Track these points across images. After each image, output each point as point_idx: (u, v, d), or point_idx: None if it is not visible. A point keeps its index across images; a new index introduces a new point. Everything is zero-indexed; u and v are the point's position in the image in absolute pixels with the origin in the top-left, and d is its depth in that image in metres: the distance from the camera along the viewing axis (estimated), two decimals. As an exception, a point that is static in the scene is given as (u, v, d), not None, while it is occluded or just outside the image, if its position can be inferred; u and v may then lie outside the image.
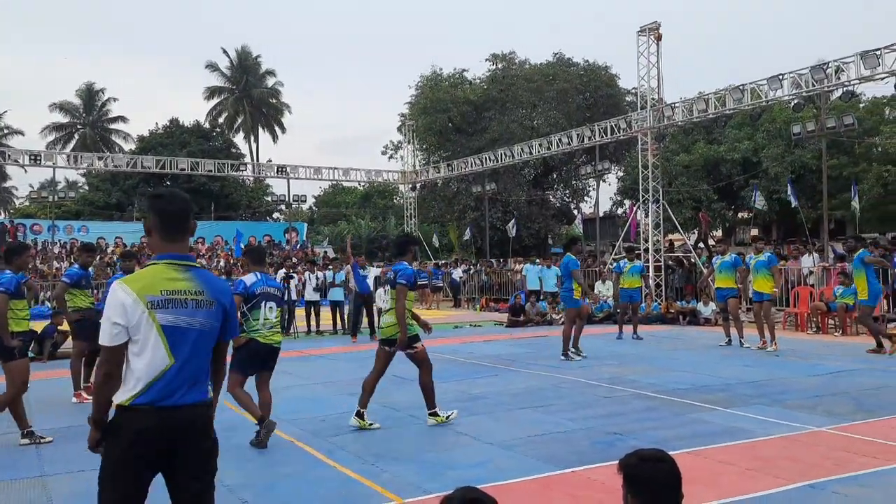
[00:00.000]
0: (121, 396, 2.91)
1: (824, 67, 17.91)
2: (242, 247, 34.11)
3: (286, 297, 16.35)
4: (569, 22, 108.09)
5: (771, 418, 7.05)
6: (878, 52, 16.68)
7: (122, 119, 55.47)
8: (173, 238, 3.05)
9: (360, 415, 7.04)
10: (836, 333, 14.72)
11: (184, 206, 3.10)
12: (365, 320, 15.83)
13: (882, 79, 17.27)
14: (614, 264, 18.10)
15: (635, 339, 14.31)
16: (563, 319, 18.72)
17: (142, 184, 44.95)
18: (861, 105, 31.17)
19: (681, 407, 7.66)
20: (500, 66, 43.70)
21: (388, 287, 7.49)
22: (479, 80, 44.26)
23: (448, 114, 41.36)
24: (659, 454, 2.52)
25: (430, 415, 7.16)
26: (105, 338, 2.89)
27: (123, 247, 28.56)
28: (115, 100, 56.14)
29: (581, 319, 12.23)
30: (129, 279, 3.00)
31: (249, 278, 6.65)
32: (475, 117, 42.00)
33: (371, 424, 7.04)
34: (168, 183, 45.57)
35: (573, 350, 11.75)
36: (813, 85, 18.38)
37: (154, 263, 3.03)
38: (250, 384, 6.63)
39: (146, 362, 2.89)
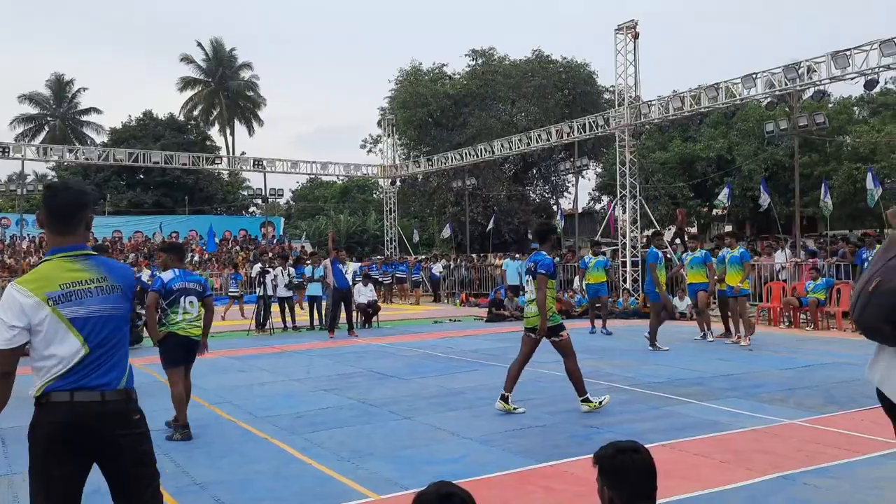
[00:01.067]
0: (34, 390, 2.87)
1: (796, 67, 18.12)
2: (217, 241, 33.93)
3: (263, 293, 16.31)
4: (548, 19, 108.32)
5: (744, 411, 7.14)
6: (848, 53, 16.91)
7: (94, 111, 54.74)
8: (63, 231, 2.97)
9: (504, 398, 7.22)
10: (807, 328, 14.93)
11: (73, 197, 3.02)
12: (343, 316, 15.77)
13: (852, 79, 17.52)
14: (580, 259, 18.28)
15: (604, 333, 14.46)
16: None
17: (114, 177, 44.42)
18: (830, 105, 31.62)
19: (657, 400, 7.74)
20: (479, 61, 43.71)
21: (528, 277, 7.64)
22: (458, 76, 44.25)
23: (428, 108, 41.29)
24: (634, 445, 2.54)
25: (581, 402, 7.26)
26: (1, 341, 2.78)
27: (95, 241, 28.12)
28: (85, 89, 55.44)
29: (666, 312, 12.56)
30: (24, 279, 2.92)
31: (167, 275, 6.83)
32: (455, 112, 41.98)
33: (516, 409, 7.21)
34: (141, 176, 45.17)
35: (656, 343, 12.02)
36: (785, 84, 18.59)
37: (48, 259, 2.96)
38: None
39: (59, 355, 2.85)
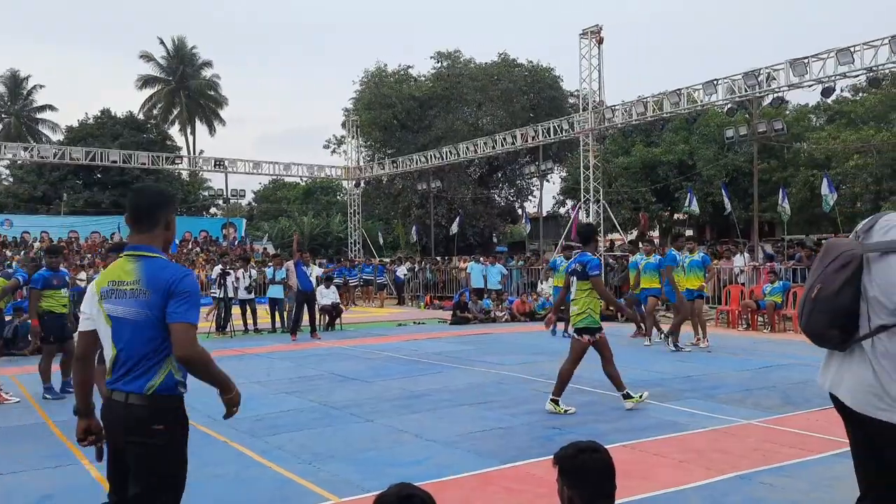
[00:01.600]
0: None
1: (756, 74, 18.49)
2: (176, 242, 33.39)
3: (223, 295, 16.06)
4: (513, 23, 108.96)
5: (703, 412, 7.24)
6: (805, 61, 17.31)
7: (50, 108, 53.45)
8: (135, 230, 3.10)
9: (555, 401, 7.31)
10: (764, 330, 15.22)
11: (144, 199, 3.13)
12: (306, 318, 15.63)
13: (810, 86, 17.93)
14: (550, 261, 18.32)
15: (565, 336, 14.40)
16: (505, 317, 19.05)
17: (70, 176, 43.43)
18: (787, 112, 32.32)
19: (618, 401, 7.79)
20: (445, 64, 43.77)
21: (574, 278, 7.59)
22: (424, 78, 44.24)
23: (393, 109, 41.20)
24: (594, 445, 2.55)
25: (623, 398, 7.40)
26: (80, 325, 3.13)
27: (49, 241, 27.49)
28: (41, 87, 54.05)
29: (692, 314, 12.75)
30: (102, 272, 3.16)
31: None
32: (420, 114, 41.96)
33: (566, 410, 7.26)
34: (98, 176, 44.25)
35: (676, 344, 12.15)
36: (745, 91, 18.96)
37: (120, 256, 3.11)
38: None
39: (106, 350, 3.03)
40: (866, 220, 2.79)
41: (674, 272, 12.65)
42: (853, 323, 2.63)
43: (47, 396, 8.68)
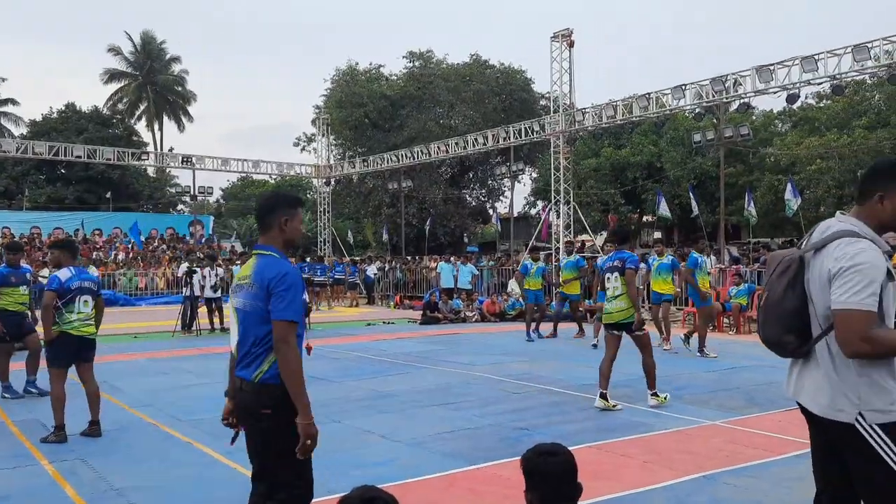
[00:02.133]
0: None
1: (723, 80, 18.75)
2: (143, 239, 32.93)
3: (190, 293, 15.87)
4: (486, 25, 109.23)
5: (669, 413, 7.30)
6: (771, 68, 17.60)
7: (13, 102, 52.23)
8: (259, 232, 3.51)
9: (603, 396, 7.48)
10: (730, 332, 15.42)
11: (262, 204, 3.53)
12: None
13: (775, 93, 18.23)
14: (520, 264, 18.32)
15: (530, 339, 14.36)
16: (475, 317, 19.07)
17: (33, 171, 42.61)
18: (754, 118, 32.84)
19: (586, 402, 7.83)
20: (417, 63, 43.72)
21: (609, 275, 7.81)
22: (395, 77, 44.13)
23: (364, 108, 41.05)
24: (553, 448, 2.54)
25: (651, 395, 7.67)
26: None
27: (11, 237, 26.91)
28: (3, 80, 52.85)
29: (710, 318, 12.86)
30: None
31: (64, 273, 6.61)
32: (392, 113, 41.85)
33: (615, 406, 7.44)
34: (62, 171, 43.45)
35: (705, 349, 11.82)
36: (712, 96, 19.22)
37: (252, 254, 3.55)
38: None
39: (231, 342, 3.49)
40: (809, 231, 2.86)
41: (693, 274, 12.28)
42: (807, 328, 2.66)
43: (6, 395, 8.48)
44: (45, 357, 6.70)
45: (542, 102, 40.89)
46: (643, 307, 14.82)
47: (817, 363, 2.65)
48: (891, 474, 2.49)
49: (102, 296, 7.01)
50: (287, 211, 3.43)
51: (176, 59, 55.94)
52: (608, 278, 7.82)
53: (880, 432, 2.50)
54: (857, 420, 2.53)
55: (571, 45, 22.05)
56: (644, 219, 39.07)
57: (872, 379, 2.53)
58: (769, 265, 2.88)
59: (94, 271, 24.78)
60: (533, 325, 14.68)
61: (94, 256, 28.07)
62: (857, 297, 2.47)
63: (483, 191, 47.10)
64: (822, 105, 32.42)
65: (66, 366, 6.55)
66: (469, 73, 41.88)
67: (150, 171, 48.41)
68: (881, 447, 2.50)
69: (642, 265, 13.17)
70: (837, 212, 2.86)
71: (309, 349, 6.72)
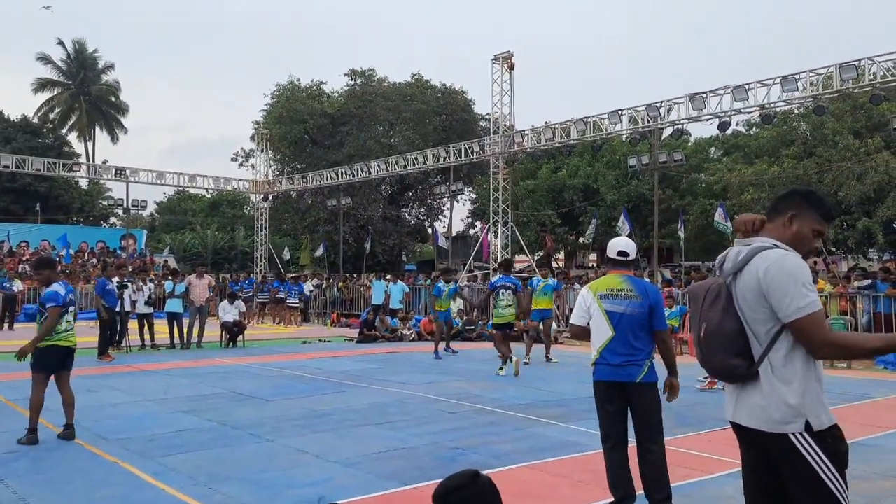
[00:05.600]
0: None
1: (658, 106, 19.32)
2: (72, 253, 31.82)
3: (120, 308, 15.38)
4: (427, 45, 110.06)
5: (603, 433, 7.37)
6: (704, 95, 18.23)
7: (-65, 109, 50.16)
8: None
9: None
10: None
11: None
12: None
13: (707, 120, 18.88)
14: (433, 287, 18.64)
15: (445, 354, 15.08)
16: (412, 336, 19.00)
17: (-44, 180, 40.80)
18: (689, 144, 33.88)
19: (520, 422, 7.88)
20: (358, 81, 43.69)
21: (502, 291, 12.07)
22: (337, 94, 43.99)
23: (304, 125, 40.76)
24: (463, 480, 2.44)
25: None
26: None
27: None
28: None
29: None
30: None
31: (60, 289, 6.98)
32: (332, 131, 41.65)
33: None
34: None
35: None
36: (647, 121, 19.77)
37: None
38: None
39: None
40: (717, 260, 2.95)
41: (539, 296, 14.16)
42: (749, 349, 2.73)
43: None
44: (30, 363, 6.94)
45: (483, 123, 41.34)
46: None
47: (756, 381, 2.71)
48: (821, 486, 2.57)
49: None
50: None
51: (110, 68, 54.67)
52: (501, 293, 11.94)
53: (812, 442, 2.59)
54: (793, 433, 2.60)
55: (512, 67, 22.42)
56: (580, 240, 39.71)
57: (810, 390, 2.62)
58: (695, 299, 2.94)
59: (19, 285, 23.78)
60: (442, 344, 15.26)
61: (19, 269, 27.03)
62: (803, 300, 2.58)
63: (422, 209, 47.21)
64: (752, 133, 33.63)
65: (52, 373, 6.96)
66: (410, 93, 42.07)
67: (82, 183, 46.95)
68: (814, 459, 2.58)
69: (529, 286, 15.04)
70: (736, 240, 2.96)
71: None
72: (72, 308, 7.15)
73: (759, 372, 2.70)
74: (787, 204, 2.81)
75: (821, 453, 2.59)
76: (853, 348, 2.74)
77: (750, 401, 2.74)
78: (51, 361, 6.93)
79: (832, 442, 2.61)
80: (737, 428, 2.84)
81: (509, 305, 11.90)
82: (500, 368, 11.92)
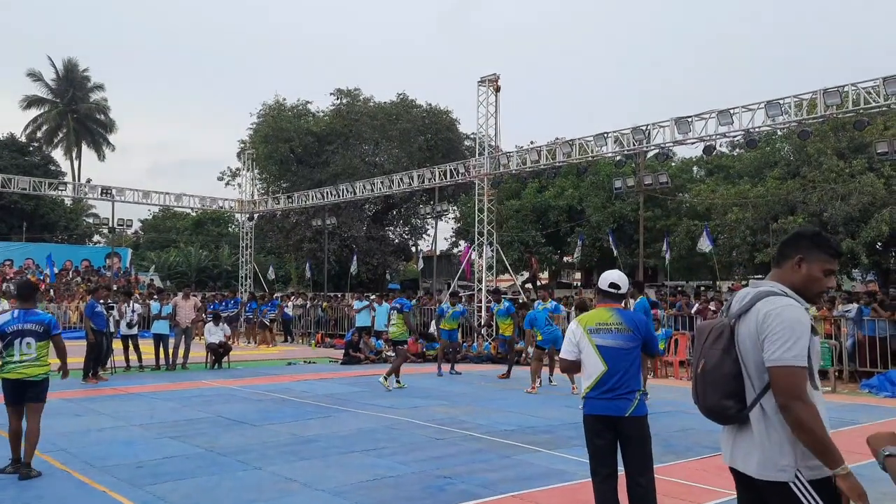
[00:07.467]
0: None
1: (643, 129, 19.54)
2: (56, 271, 31.57)
3: (107, 329, 15.24)
4: (413, 66, 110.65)
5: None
6: (689, 119, 18.45)
7: (-81, 125, 49.81)
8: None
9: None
10: (648, 376, 15.78)
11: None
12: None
13: (692, 143, 19.11)
14: (437, 307, 18.96)
15: (453, 373, 15.55)
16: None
17: (-61, 198, 40.42)
18: (673, 164, 34.19)
19: (507, 449, 7.90)
20: (344, 101, 43.84)
21: (394, 311, 13.48)
22: (322, 114, 44.11)
23: (290, 144, 40.80)
24: None
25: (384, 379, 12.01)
26: None
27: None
28: None
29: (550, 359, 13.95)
30: None
31: (3, 317, 6.77)
32: (318, 150, 41.71)
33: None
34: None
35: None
36: (633, 144, 19.98)
37: None
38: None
39: None
40: (724, 301, 3.02)
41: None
42: (744, 392, 2.77)
43: None
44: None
45: (468, 143, 41.55)
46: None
47: (750, 425, 2.74)
48: None
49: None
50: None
51: (99, 87, 54.53)
52: (392, 314, 13.58)
53: (811, 490, 2.62)
54: (792, 480, 2.63)
55: (498, 89, 22.61)
56: (565, 259, 39.86)
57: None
58: (700, 334, 3.00)
59: (4, 304, 23.60)
60: (447, 365, 15.72)
61: (3, 288, 26.77)
62: (790, 352, 2.61)
63: (406, 229, 47.25)
64: (735, 154, 33.99)
65: (12, 404, 6.68)
66: (395, 112, 42.25)
67: (67, 201, 46.67)
68: None
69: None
70: (750, 280, 3.03)
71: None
72: (27, 340, 6.61)
73: (749, 417, 2.73)
74: (794, 248, 2.85)
75: (818, 499, 2.61)
76: (815, 431, 2.58)
77: (745, 445, 2.77)
78: (5, 393, 6.73)
79: (832, 491, 2.61)
80: (734, 471, 2.88)
81: (394, 324, 13.53)
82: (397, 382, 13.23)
